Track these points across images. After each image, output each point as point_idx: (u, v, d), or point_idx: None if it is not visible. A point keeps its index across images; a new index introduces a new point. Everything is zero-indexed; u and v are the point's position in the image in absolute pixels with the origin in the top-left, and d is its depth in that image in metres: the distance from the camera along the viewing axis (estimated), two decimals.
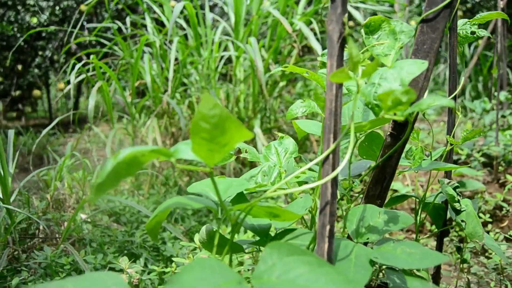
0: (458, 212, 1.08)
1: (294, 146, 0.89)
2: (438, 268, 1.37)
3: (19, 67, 6.33)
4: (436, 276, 1.39)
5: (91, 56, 2.49)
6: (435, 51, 0.77)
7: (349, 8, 2.81)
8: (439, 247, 1.35)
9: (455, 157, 2.86)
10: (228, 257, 0.77)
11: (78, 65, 2.48)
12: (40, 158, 4.38)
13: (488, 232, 2.25)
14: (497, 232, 2.19)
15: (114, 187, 0.58)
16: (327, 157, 0.63)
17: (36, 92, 6.41)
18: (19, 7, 6.07)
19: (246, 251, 0.85)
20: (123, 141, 3.34)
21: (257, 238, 0.84)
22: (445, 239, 2.27)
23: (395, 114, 0.63)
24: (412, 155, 1.04)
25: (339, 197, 1.06)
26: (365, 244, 0.96)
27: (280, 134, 0.90)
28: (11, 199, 1.87)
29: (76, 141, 2.74)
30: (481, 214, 2.30)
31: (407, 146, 1.07)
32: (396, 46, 0.82)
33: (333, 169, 0.62)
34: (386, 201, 1.34)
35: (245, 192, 0.84)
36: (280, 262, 0.57)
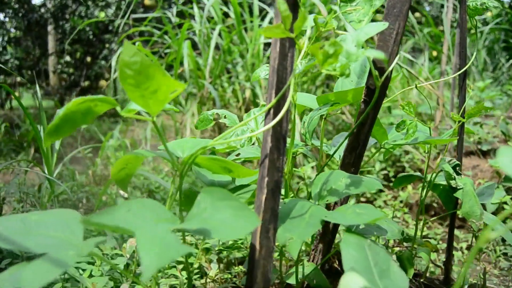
0: (454, 190, 1.04)
1: None
2: (449, 255, 1.33)
3: (88, 59, 6.80)
4: (447, 264, 1.34)
5: (136, 43, 2.64)
6: (404, 14, 0.76)
7: None
8: (451, 230, 1.30)
9: None
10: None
11: (119, 50, 2.64)
12: (100, 142, 4.70)
13: None
14: None
15: (69, 133, 0.65)
16: (268, 112, 0.65)
17: (103, 83, 6.84)
18: (89, 3, 6.50)
19: None
20: (167, 126, 3.49)
21: None
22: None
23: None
24: (405, 128, 1.02)
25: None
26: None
27: (262, 103, 0.93)
28: (55, 173, 2.05)
29: (126, 126, 2.91)
30: None
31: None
32: (370, 12, 0.82)
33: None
34: (394, 181, 1.32)
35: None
36: (211, 206, 0.61)
